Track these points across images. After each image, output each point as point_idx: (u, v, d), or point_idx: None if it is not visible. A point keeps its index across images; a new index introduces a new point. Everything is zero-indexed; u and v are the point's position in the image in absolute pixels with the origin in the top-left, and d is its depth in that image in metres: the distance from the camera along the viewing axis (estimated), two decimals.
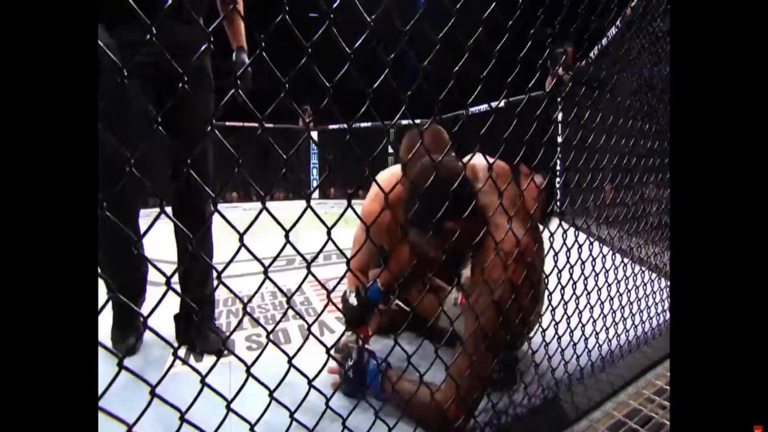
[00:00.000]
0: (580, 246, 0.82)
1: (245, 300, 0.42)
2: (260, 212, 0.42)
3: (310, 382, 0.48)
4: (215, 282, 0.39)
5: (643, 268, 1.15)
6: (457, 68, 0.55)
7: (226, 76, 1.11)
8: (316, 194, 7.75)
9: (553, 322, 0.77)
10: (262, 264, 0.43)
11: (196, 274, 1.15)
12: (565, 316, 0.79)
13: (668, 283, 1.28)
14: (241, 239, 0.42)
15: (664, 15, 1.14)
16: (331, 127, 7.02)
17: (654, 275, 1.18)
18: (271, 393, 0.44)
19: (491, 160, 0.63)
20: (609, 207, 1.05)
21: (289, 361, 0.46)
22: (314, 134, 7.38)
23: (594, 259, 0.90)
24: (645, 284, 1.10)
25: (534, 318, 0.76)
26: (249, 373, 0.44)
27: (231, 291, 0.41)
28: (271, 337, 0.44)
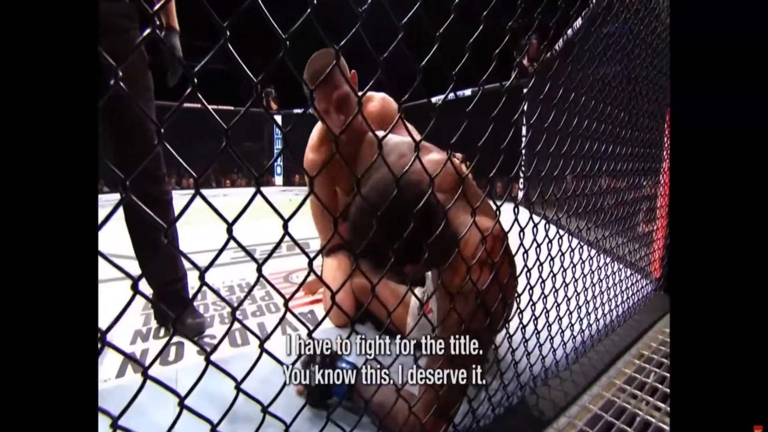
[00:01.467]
0: (550, 241, 0.78)
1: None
2: (192, 198, 0.32)
3: (265, 408, 0.39)
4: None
5: (609, 259, 1.16)
6: (443, 31, 0.47)
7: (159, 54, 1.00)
8: (279, 181, 7.43)
9: (533, 318, 0.73)
10: (196, 266, 0.33)
11: (164, 258, 1.11)
12: (544, 311, 0.76)
13: (631, 272, 1.32)
14: (167, 232, 0.32)
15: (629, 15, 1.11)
16: (296, 111, 6.71)
17: (619, 265, 1.20)
18: (213, 429, 0.35)
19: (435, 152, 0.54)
20: (577, 197, 1.02)
21: (237, 387, 0.37)
22: (278, 118, 7.01)
23: (563, 254, 0.86)
24: (613, 273, 1.11)
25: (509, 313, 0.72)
26: (183, 406, 0.34)
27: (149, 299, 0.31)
28: (226, 340, 0.34)
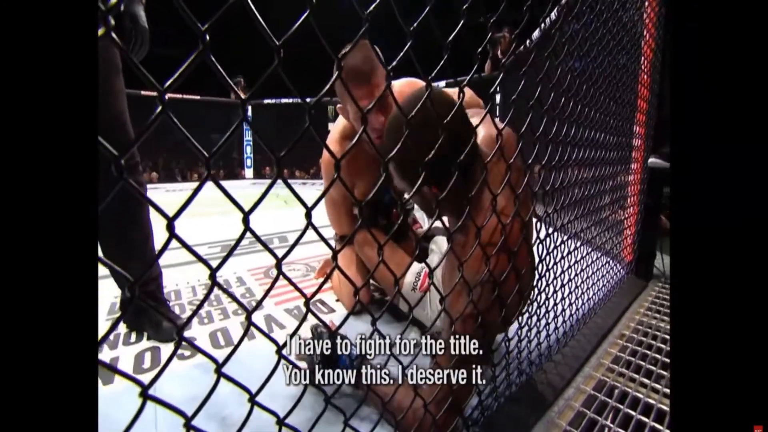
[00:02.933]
0: (540, 240, 0.77)
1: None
2: (198, 187, 0.28)
3: (281, 420, 0.35)
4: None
5: (591, 248, 1.20)
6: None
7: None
8: (250, 174, 7.15)
9: (537, 308, 0.73)
10: (207, 264, 0.29)
11: (136, 253, 0.99)
12: (546, 301, 0.77)
13: (609, 259, 1.37)
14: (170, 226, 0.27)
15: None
16: (266, 101, 6.45)
17: (599, 253, 1.24)
18: (188, 421, 0.31)
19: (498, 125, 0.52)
20: (563, 189, 1.03)
21: (252, 400, 0.33)
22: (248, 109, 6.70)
23: (563, 243, 0.87)
24: (598, 260, 1.15)
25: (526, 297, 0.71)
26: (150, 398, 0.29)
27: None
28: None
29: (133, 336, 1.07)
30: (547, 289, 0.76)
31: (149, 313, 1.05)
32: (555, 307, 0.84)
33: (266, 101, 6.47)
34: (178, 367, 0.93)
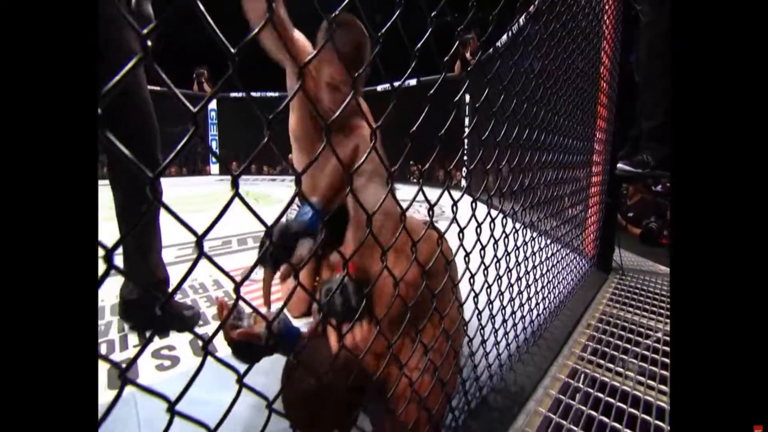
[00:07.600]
0: (506, 236, 0.80)
1: None
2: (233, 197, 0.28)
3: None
4: None
5: (560, 245, 1.29)
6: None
7: None
8: (215, 170, 6.86)
9: (501, 307, 0.78)
10: (232, 280, 0.29)
11: (145, 254, 1.07)
12: (518, 294, 0.82)
13: (576, 254, 1.48)
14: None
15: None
16: (232, 95, 6.19)
17: (568, 249, 1.34)
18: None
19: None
20: (531, 188, 1.06)
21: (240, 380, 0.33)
22: (212, 102, 6.41)
23: (515, 235, 0.89)
24: (567, 256, 1.23)
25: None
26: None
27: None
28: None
29: (133, 339, 1.09)
30: (511, 288, 0.80)
31: (164, 307, 1.06)
32: (529, 301, 0.90)
33: (233, 95, 6.22)
34: (158, 378, 0.90)
